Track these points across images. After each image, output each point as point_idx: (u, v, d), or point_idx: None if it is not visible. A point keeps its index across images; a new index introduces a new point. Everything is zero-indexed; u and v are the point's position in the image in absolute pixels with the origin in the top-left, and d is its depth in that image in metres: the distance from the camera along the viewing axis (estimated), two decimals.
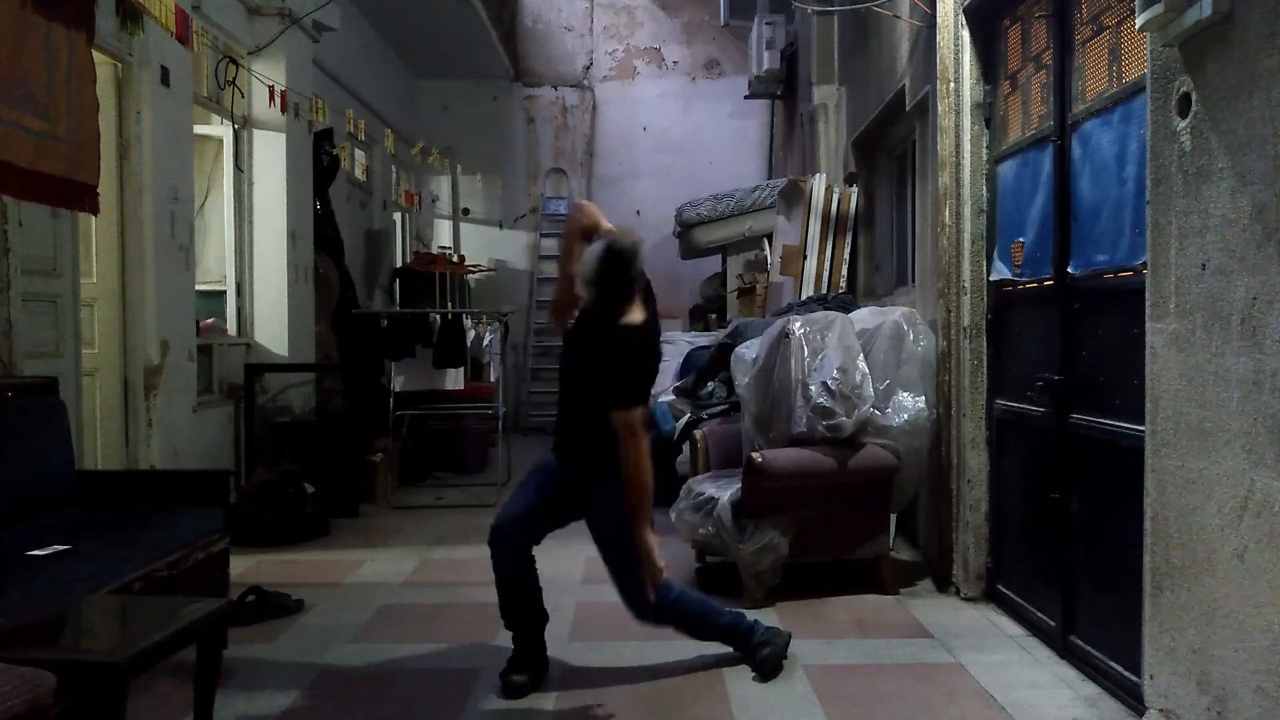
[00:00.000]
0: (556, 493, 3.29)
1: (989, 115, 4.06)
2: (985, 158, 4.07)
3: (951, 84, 4.12)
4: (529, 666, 3.25)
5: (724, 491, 4.19)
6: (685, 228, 9.10)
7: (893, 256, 6.23)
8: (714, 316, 9.52)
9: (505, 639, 3.66)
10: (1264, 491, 2.12)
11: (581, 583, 4.49)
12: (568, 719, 3.00)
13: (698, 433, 5.19)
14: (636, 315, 3.17)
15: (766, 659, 3.27)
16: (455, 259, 10.12)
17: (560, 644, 3.63)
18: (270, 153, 6.39)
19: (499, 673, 3.23)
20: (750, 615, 3.47)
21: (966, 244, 4.08)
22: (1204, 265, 2.33)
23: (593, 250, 3.11)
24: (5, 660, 2.02)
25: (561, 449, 3.33)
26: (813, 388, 4.12)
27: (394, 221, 10.05)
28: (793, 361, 4.19)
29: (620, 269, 3.07)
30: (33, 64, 3.40)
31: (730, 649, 3.38)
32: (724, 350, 5.55)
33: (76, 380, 4.44)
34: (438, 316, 6.89)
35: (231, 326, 6.28)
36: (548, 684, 3.24)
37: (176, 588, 3.45)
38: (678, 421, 5.87)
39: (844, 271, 6.49)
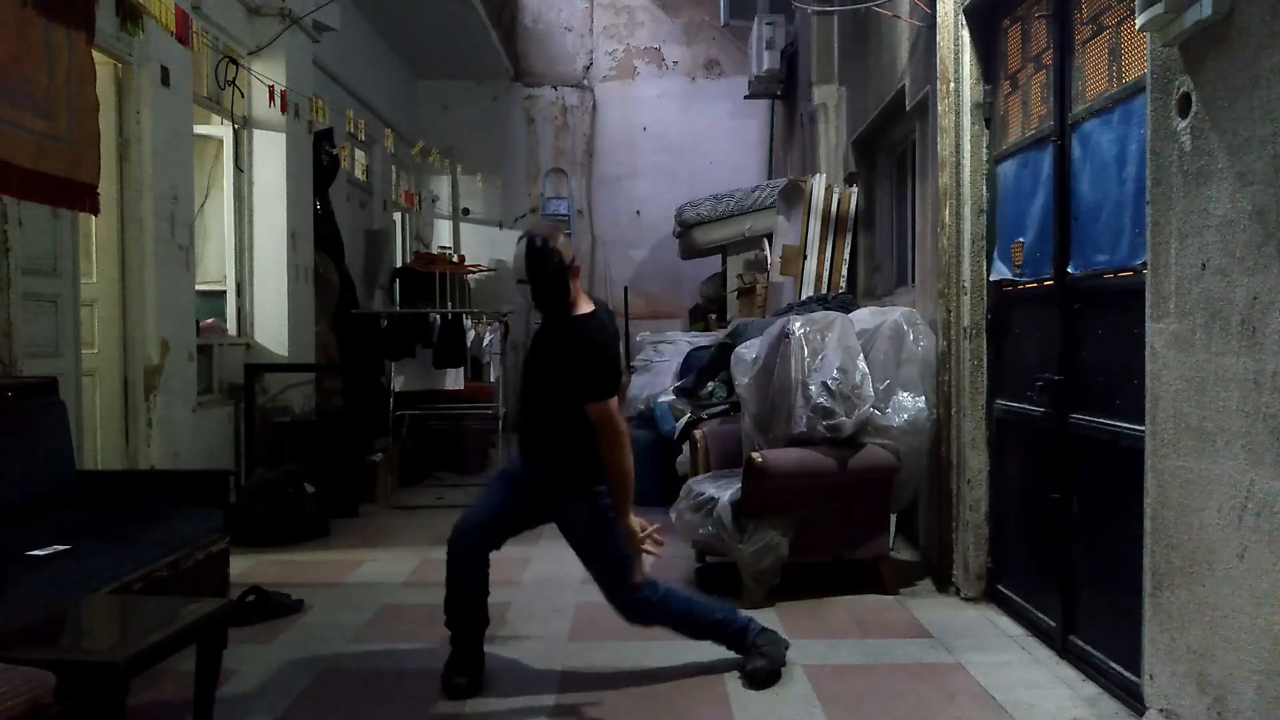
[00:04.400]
0: (522, 499, 3.27)
1: (989, 115, 4.06)
2: (985, 158, 4.07)
3: (951, 84, 4.12)
4: (469, 667, 3.20)
5: (724, 491, 4.19)
6: (685, 228, 9.10)
7: (893, 256, 6.23)
8: (714, 316, 9.52)
9: (505, 639, 3.67)
10: (1264, 491, 2.12)
11: (581, 583, 4.48)
12: (567, 719, 3.00)
13: (698, 433, 5.19)
14: (585, 305, 3.20)
15: (760, 670, 3.19)
16: (455, 259, 10.12)
17: (560, 644, 3.63)
18: (270, 153, 6.39)
19: (440, 675, 3.19)
20: (748, 615, 3.46)
21: (966, 244, 4.08)
22: (1204, 265, 2.33)
23: (516, 249, 3.14)
24: (5, 660, 2.02)
25: (527, 454, 3.30)
26: (813, 388, 4.12)
27: (394, 221, 10.04)
28: (793, 361, 4.19)
29: (543, 259, 3.08)
30: (33, 64, 3.40)
31: (727, 649, 3.35)
32: (724, 350, 5.55)
33: (76, 380, 4.44)
34: (438, 316, 6.89)
35: (231, 326, 6.28)
36: (548, 684, 3.24)
37: (176, 588, 3.45)
38: (678, 421, 5.88)
39: (844, 271, 6.49)
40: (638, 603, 3.22)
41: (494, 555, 3.30)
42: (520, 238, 3.17)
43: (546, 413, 3.22)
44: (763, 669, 3.20)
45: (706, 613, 3.35)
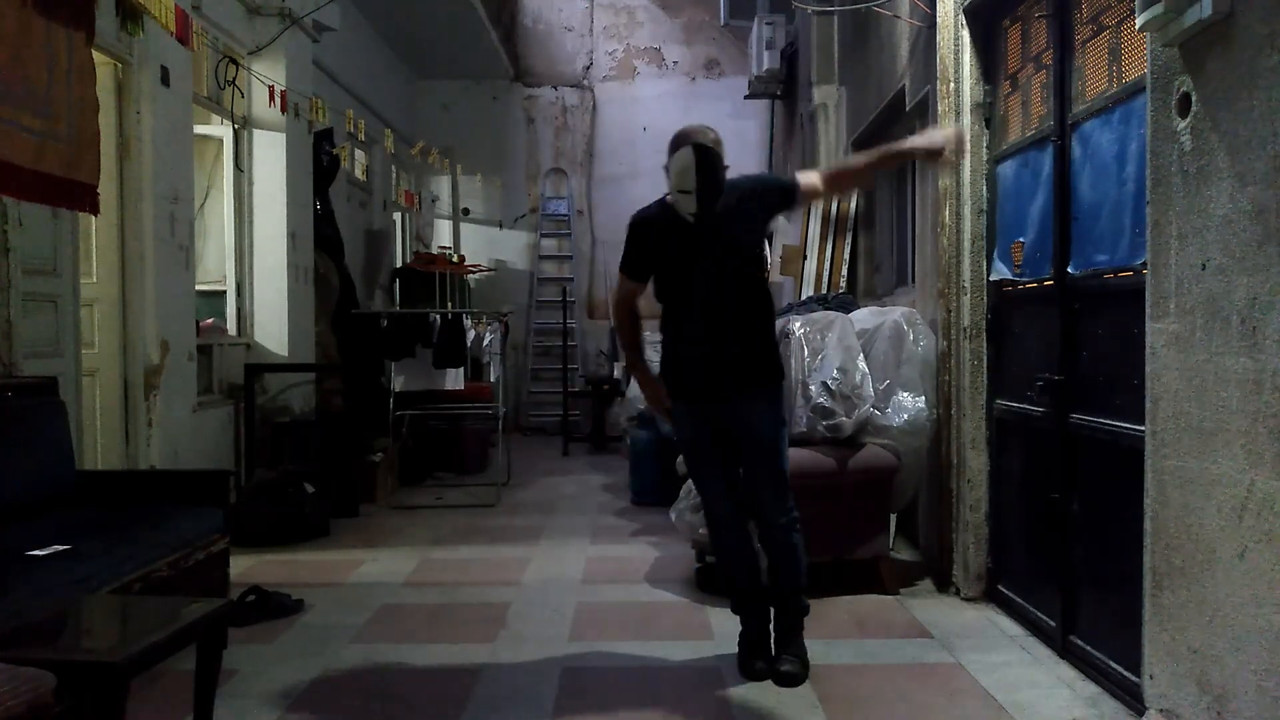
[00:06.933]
0: (726, 450, 3.29)
1: (989, 115, 4.06)
2: (985, 158, 4.07)
3: (951, 84, 4.12)
4: (763, 648, 3.30)
5: None
6: None
7: (893, 256, 6.23)
8: None
9: (505, 639, 3.67)
10: (1264, 491, 2.12)
11: (581, 583, 4.50)
12: (567, 719, 3.00)
13: None
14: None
15: (798, 674, 3.21)
16: (455, 259, 10.13)
17: (560, 644, 3.63)
18: (270, 153, 6.39)
19: (740, 665, 3.28)
20: None
21: (966, 244, 4.08)
22: (1204, 265, 2.33)
23: (681, 158, 3.10)
24: (5, 660, 2.02)
25: (712, 387, 3.22)
26: (813, 388, 4.12)
27: (394, 221, 10.05)
28: (793, 361, 4.19)
29: (717, 165, 3.16)
30: (33, 64, 3.40)
31: (780, 617, 3.36)
32: None
33: (76, 380, 4.44)
34: (438, 316, 6.89)
35: (231, 326, 6.28)
36: (548, 685, 3.23)
37: (176, 588, 3.45)
38: None
39: (844, 271, 6.49)
40: (794, 522, 3.28)
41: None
42: (676, 146, 3.16)
43: (743, 311, 3.20)
44: (798, 673, 3.22)
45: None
